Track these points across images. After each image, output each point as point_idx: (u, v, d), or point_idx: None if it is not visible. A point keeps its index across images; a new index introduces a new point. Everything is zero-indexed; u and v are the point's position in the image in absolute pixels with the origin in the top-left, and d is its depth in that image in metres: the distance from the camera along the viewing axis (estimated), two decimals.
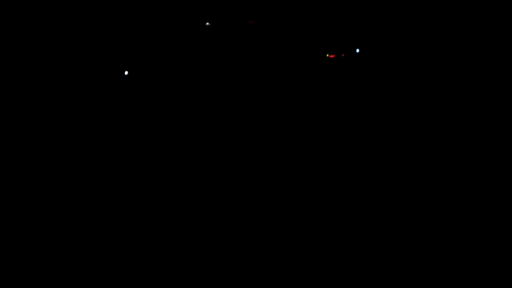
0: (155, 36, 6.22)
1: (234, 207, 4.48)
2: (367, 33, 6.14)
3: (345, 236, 3.81)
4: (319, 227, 3.99)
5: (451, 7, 5.67)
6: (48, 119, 5.63)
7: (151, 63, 6.30)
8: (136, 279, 3.23)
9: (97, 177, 5.18)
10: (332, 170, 5.15)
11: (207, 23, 6.35)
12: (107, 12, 5.85)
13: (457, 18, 5.70)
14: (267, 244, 3.71)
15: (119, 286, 3.15)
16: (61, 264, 3.44)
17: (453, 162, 5.12)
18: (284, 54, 6.43)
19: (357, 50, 6.01)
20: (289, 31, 6.37)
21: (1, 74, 5.10)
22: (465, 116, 5.66)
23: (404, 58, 6.02)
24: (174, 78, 6.32)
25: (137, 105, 6.19)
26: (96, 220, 4.24)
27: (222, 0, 6.25)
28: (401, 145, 5.47)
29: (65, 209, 4.49)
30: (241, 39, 6.43)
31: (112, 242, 3.80)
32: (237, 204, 4.54)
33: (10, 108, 5.28)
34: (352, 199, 4.51)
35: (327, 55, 6.15)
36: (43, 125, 5.59)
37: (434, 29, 5.83)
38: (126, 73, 6.20)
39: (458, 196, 4.45)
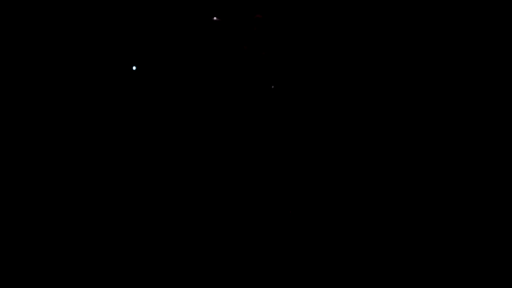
0: (162, 31, 6.23)
1: (235, 206, 4.50)
2: (375, 28, 6.06)
3: (345, 236, 3.81)
4: (320, 226, 3.99)
5: (456, 4, 5.57)
6: (52, 114, 5.70)
7: (158, 58, 6.32)
8: (136, 279, 3.28)
9: (99, 174, 5.24)
10: (339, 167, 5.14)
11: (215, 18, 6.34)
12: (113, 7, 5.87)
13: (461, 12, 5.60)
14: (267, 244, 3.73)
15: (119, 286, 3.20)
16: (61, 264, 3.50)
17: (457, 161, 5.06)
18: (291, 49, 6.40)
19: (362, 46, 5.94)
20: (297, 26, 6.32)
21: (4, 69, 5.18)
22: (470, 114, 5.58)
23: (409, 54, 5.94)
24: (181, 73, 6.34)
25: (145, 100, 6.23)
26: (96, 219, 4.29)
27: None
28: (404, 143, 5.42)
29: (66, 208, 4.55)
30: (249, 33, 6.41)
31: (113, 241, 3.85)
32: (238, 203, 4.56)
33: (11, 106, 5.36)
34: (358, 197, 4.50)
35: (335, 49, 6.10)
36: (47, 120, 5.66)
37: (439, 29, 5.74)
38: (134, 68, 6.24)
39: (459, 195, 4.41)
